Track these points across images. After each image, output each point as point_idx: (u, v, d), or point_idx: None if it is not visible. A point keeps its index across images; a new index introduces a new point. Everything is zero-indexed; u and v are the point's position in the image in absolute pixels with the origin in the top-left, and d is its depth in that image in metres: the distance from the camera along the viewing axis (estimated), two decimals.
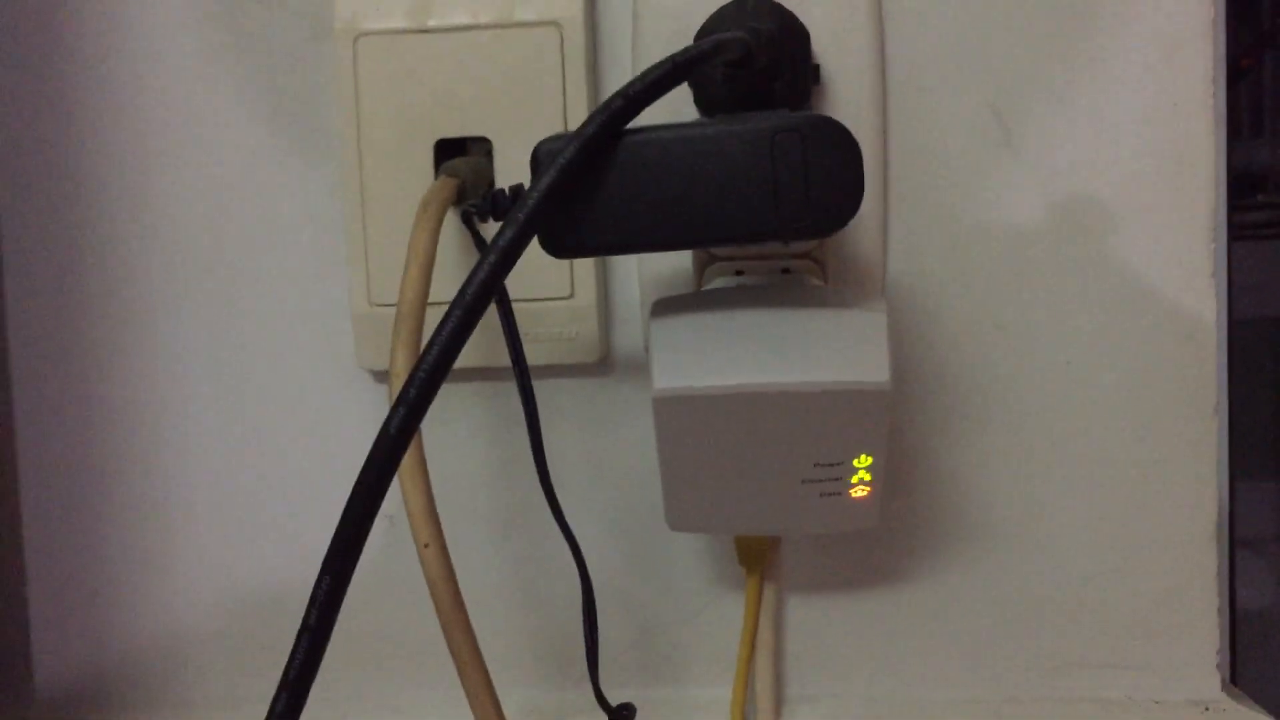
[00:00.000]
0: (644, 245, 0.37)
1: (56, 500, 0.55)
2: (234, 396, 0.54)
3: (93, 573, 0.55)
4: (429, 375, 0.33)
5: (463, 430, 0.53)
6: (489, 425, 0.53)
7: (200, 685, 0.55)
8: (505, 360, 0.47)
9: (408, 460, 0.42)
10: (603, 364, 0.52)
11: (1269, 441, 1.54)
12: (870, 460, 0.41)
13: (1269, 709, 0.49)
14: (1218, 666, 0.50)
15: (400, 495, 0.42)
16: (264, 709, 0.30)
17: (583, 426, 0.52)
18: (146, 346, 0.54)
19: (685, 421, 0.40)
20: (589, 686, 0.48)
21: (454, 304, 0.33)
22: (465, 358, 0.50)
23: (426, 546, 0.41)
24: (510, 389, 0.52)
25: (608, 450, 0.52)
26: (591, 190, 0.36)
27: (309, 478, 0.54)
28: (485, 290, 0.33)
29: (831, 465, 0.41)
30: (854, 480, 0.41)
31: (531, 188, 0.34)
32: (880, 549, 0.51)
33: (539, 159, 0.36)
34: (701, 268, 0.47)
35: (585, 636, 0.46)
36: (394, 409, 0.33)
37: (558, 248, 0.37)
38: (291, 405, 0.54)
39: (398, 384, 0.42)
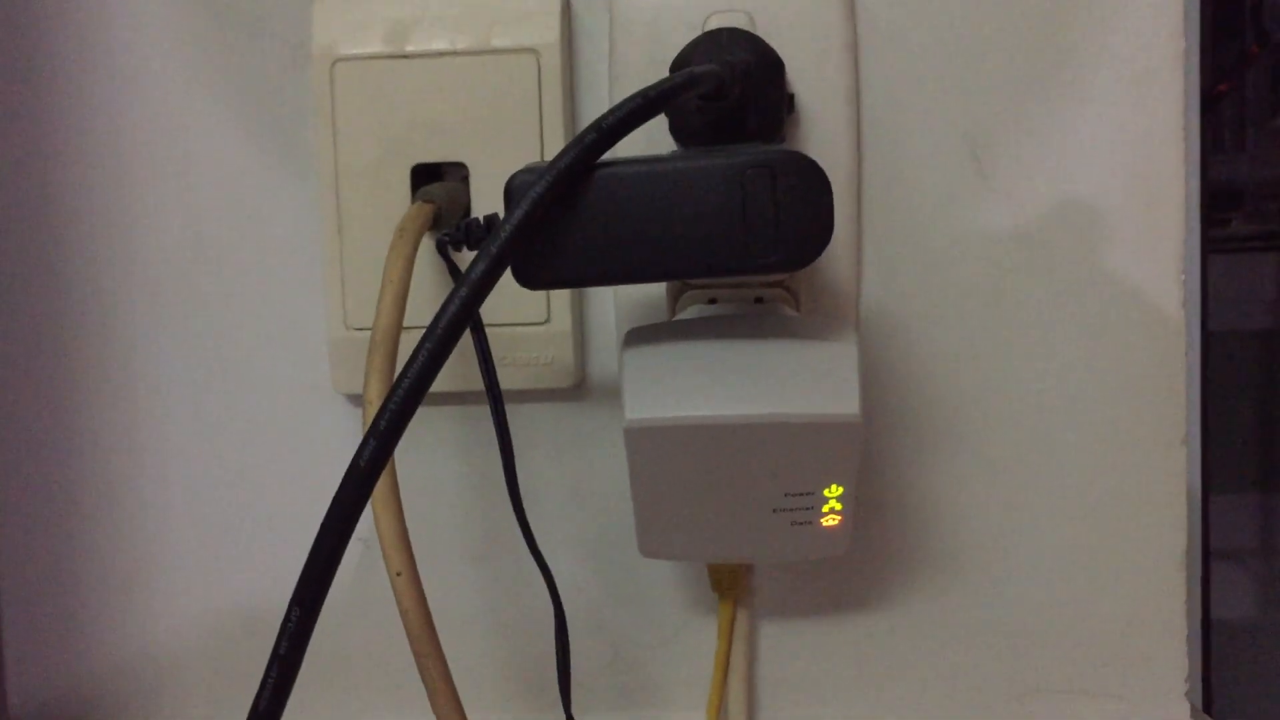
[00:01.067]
0: (616, 278, 0.37)
1: (32, 521, 0.55)
2: (211, 419, 0.54)
3: (68, 594, 0.55)
4: (400, 408, 0.33)
5: (437, 454, 0.53)
6: (463, 450, 0.53)
7: (177, 707, 0.55)
8: (479, 384, 0.47)
9: (380, 488, 0.42)
10: (578, 389, 0.52)
11: (1250, 454, 1.55)
12: (841, 490, 0.41)
13: (1246, 717, 0.50)
14: (1186, 695, 0.51)
15: (373, 522, 0.42)
16: None
17: (557, 452, 0.52)
18: (124, 369, 0.54)
19: (657, 451, 0.40)
20: (561, 711, 0.48)
21: (425, 337, 0.34)
22: (440, 383, 0.50)
23: (399, 575, 0.42)
24: (483, 413, 0.52)
25: (582, 475, 0.52)
26: (564, 223, 0.36)
27: (286, 501, 0.54)
28: (457, 323, 0.34)
29: (802, 495, 0.41)
30: (825, 510, 0.42)
31: (504, 220, 0.34)
32: (852, 575, 0.52)
33: (512, 192, 0.36)
34: (676, 296, 0.47)
35: (557, 662, 0.47)
36: (365, 441, 0.33)
37: (530, 280, 0.37)
38: (269, 428, 0.54)
39: (371, 411, 0.42)
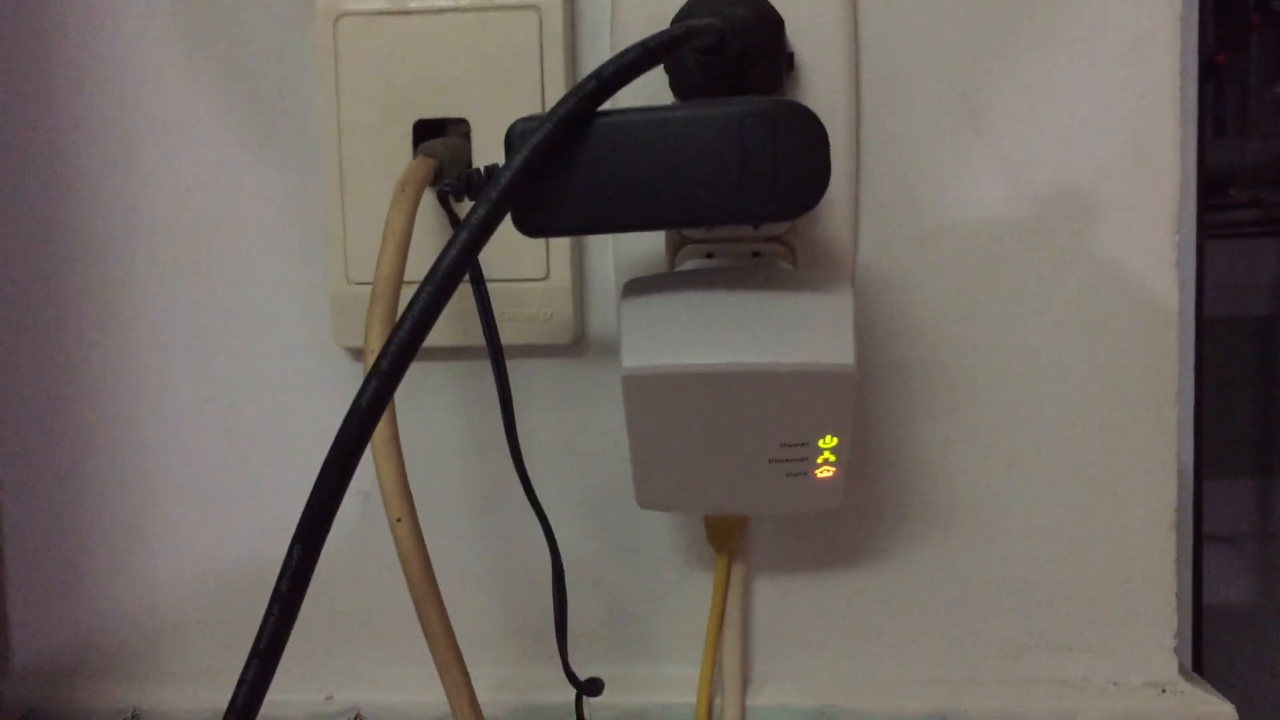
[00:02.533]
0: (614, 226, 0.38)
1: (36, 473, 0.56)
2: (212, 374, 0.54)
3: (71, 547, 0.56)
4: (401, 349, 0.34)
5: (436, 410, 0.53)
6: (463, 404, 0.53)
7: (178, 657, 0.56)
8: (479, 340, 0.48)
9: (381, 435, 0.42)
10: (577, 345, 0.52)
11: (1245, 439, 1.55)
12: (835, 441, 0.41)
13: (1239, 700, 0.50)
14: (1175, 650, 0.51)
15: (374, 471, 0.43)
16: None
17: (556, 407, 0.53)
18: (125, 325, 0.54)
19: (654, 400, 0.40)
20: (559, 662, 0.49)
21: (427, 279, 0.34)
22: (439, 336, 0.51)
23: (399, 521, 0.42)
24: (484, 369, 0.52)
25: (580, 431, 0.53)
26: (564, 171, 0.36)
27: (287, 455, 0.55)
28: (458, 266, 0.34)
29: (797, 445, 0.41)
30: (819, 461, 0.42)
31: (505, 167, 0.35)
32: (847, 531, 0.52)
33: (513, 139, 0.37)
34: (674, 250, 0.47)
35: (555, 612, 0.47)
36: (366, 381, 0.34)
37: (530, 226, 0.37)
38: (270, 383, 0.54)
39: (372, 359, 0.43)
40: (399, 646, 0.54)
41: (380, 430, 0.43)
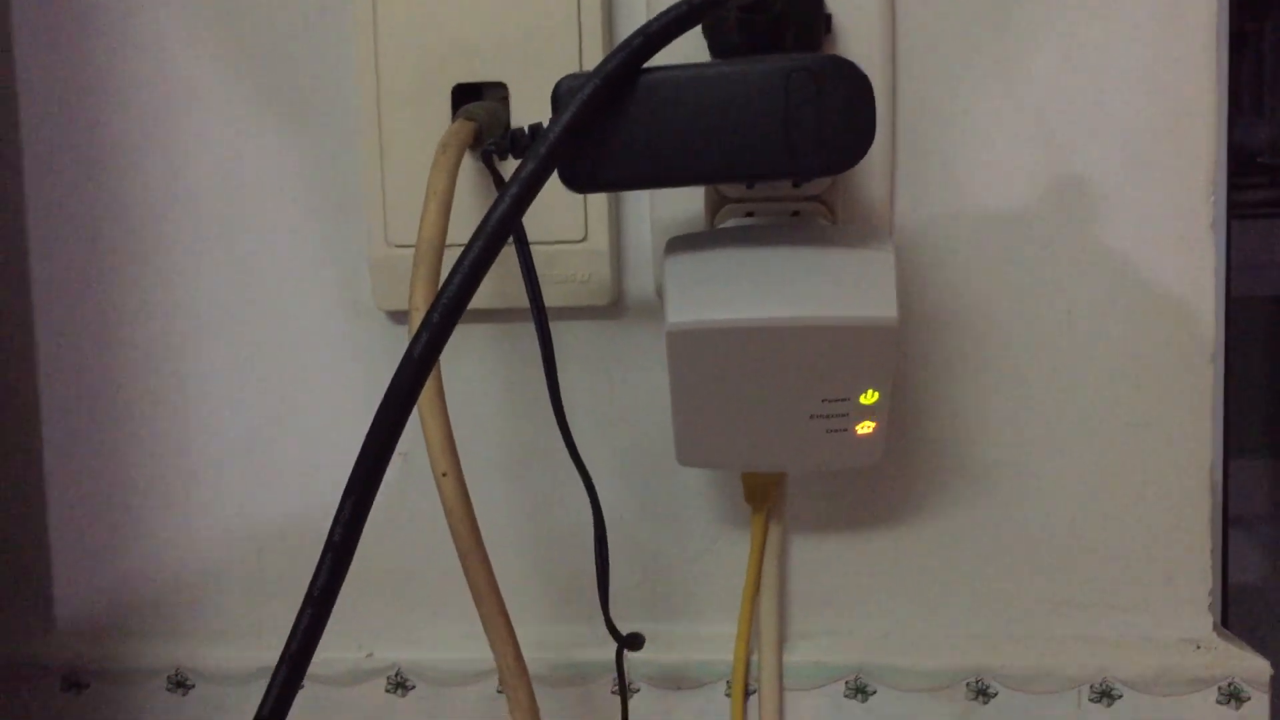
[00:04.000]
0: (660, 180, 0.38)
1: (78, 434, 0.56)
2: (252, 338, 0.55)
3: (112, 507, 0.56)
4: (452, 301, 0.34)
5: (476, 371, 0.54)
6: (502, 367, 0.54)
7: (219, 615, 0.57)
8: (517, 302, 0.48)
9: (427, 391, 0.43)
10: (614, 307, 0.53)
11: (1262, 420, 1.55)
12: (876, 396, 0.42)
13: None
14: (1209, 608, 0.52)
15: (416, 431, 0.43)
16: (281, 639, 0.31)
17: (593, 369, 0.53)
18: (169, 287, 0.55)
19: (697, 355, 0.41)
20: (599, 622, 0.49)
21: (477, 233, 0.35)
22: (479, 299, 0.51)
23: (444, 476, 0.43)
24: (521, 331, 0.53)
25: (617, 392, 0.54)
26: (610, 126, 0.37)
27: (326, 417, 0.55)
28: (509, 219, 0.35)
29: (839, 401, 0.42)
30: (860, 417, 0.43)
31: (553, 122, 0.35)
32: (882, 490, 0.53)
33: (559, 95, 0.37)
34: (713, 211, 0.48)
35: (597, 565, 0.48)
36: (418, 333, 0.34)
37: (577, 182, 0.38)
38: (309, 346, 0.55)
39: (417, 318, 0.43)
40: (438, 604, 0.55)
41: (426, 386, 0.43)
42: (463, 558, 0.43)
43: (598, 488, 0.49)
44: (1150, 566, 0.52)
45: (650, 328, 0.53)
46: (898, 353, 0.41)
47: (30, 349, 0.56)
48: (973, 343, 0.51)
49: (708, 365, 0.41)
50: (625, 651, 0.51)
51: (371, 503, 0.34)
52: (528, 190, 0.35)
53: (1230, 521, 0.51)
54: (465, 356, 0.54)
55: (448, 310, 0.35)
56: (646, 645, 0.52)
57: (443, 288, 0.34)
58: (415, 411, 0.42)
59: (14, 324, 0.56)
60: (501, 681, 0.43)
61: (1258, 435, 1.54)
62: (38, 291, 0.56)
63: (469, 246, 0.34)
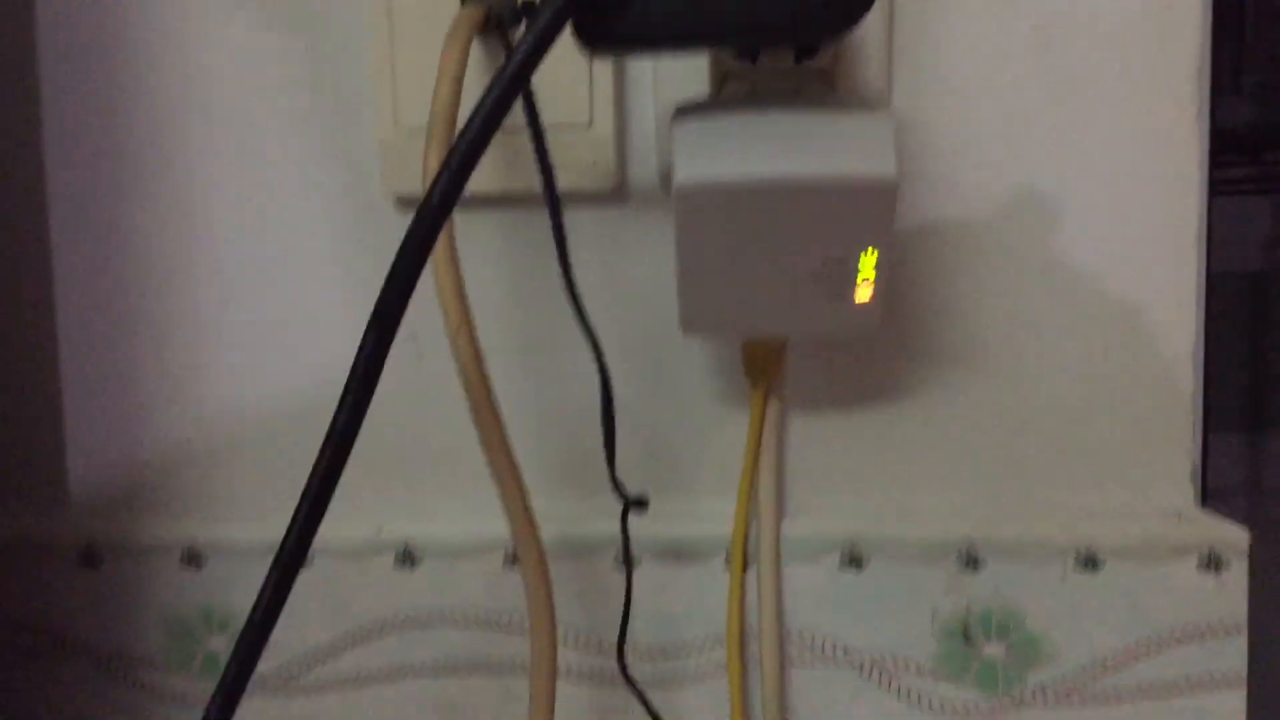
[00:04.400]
0: (669, 41, 0.39)
1: (92, 314, 0.58)
2: (263, 223, 0.56)
3: (127, 385, 0.58)
4: (470, 146, 0.36)
5: (478, 257, 0.55)
6: (507, 254, 0.55)
7: (232, 493, 0.58)
8: (523, 184, 0.49)
9: (440, 250, 0.44)
10: (618, 192, 0.54)
11: (1237, 395, 1.57)
12: (875, 257, 0.43)
13: None
14: (1190, 481, 0.54)
15: (425, 312, 0.44)
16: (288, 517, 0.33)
17: (596, 253, 0.55)
18: (180, 172, 0.56)
19: (704, 214, 0.42)
20: (603, 498, 0.51)
21: (493, 83, 0.36)
22: (483, 181, 0.52)
23: (458, 330, 0.44)
24: (527, 218, 0.54)
25: (620, 277, 0.55)
26: None
27: (335, 303, 0.57)
28: (526, 64, 0.36)
29: (839, 261, 0.43)
30: (859, 280, 0.44)
31: None
32: (878, 370, 0.54)
33: None
34: (717, 89, 0.49)
35: (603, 427, 0.49)
36: (436, 179, 0.36)
37: (591, 38, 0.39)
38: (318, 235, 0.56)
39: (433, 175, 0.44)
40: (448, 480, 0.57)
41: (440, 247, 0.44)
42: (475, 413, 0.45)
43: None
44: (1134, 444, 0.54)
45: (654, 214, 0.54)
46: (895, 212, 0.42)
47: (43, 231, 0.57)
48: (965, 231, 0.53)
49: (714, 224, 0.43)
50: (629, 520, 0.52)
51: (392, 338, 0.35)
52: (543, 39, 0.36)
53: (1207, 496, 0.53)
54: (470, 245, 0.55)
55: (466, 154, 0.36)
56: (648, 520, 0.53)
57: (461, 133, 0.36)
58: (430, 269, 0.44)
59: (28, 206, 0.57)
60: (512, 535, 0.45)
61: (1234, 412, 1.56)
62: (52, 175, 0.57)
63: (485, 94, 0.35)
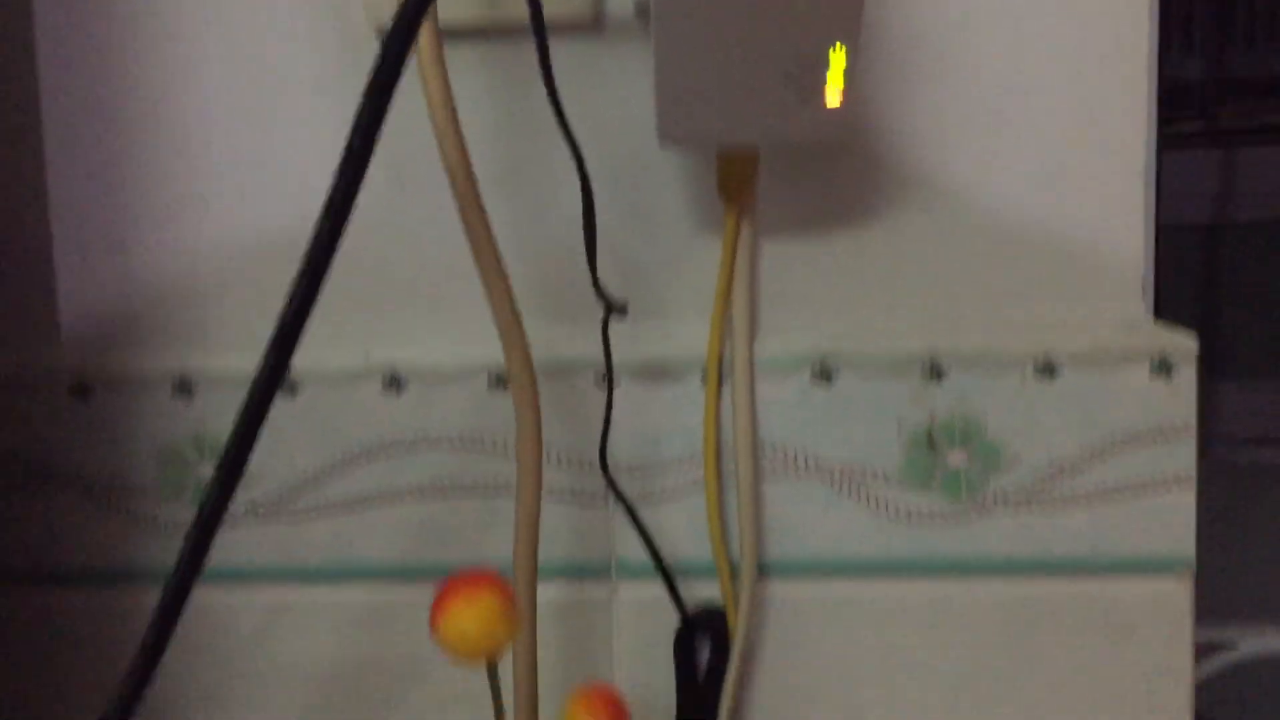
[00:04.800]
0: None
1: (79, 149, 0.59)
2: (247, 53, 0.58)
3: (117, 217, 0.59)
4: None
5: (458, 91, 0.56)
6: (488, 89, 0.57)
7: (221, 323, 0.60)
8: (504, 11, 0.51)
9: (427, 52, 0.46)
10: (595, 24, 0.56)
11: None
12: (844, 53, 0.46)
13: None
14: (1142, 294, 0.56)
15: (407, 137, 0.46)
16: None
17: (572, 84, 0.56)
18: (165, 5, 0.57)
19: (682, 9, 0.44)
20: (583, 322, 0.53)
21: None
22: (461, 7, 0.54)
23: (444, 132, 0.46)
24: (505, 52, 0.56)
25: (596, 108, 0.56)
26: None
27: (320, 135, 0.58)
28: None
29: (811, 57, 0.45)
30: (829, 78, 0.46)
31: None
32: (846, 195, 0.57)
33: None
34: None
35: (585, 234, 0.51)
36: None
37: None
38: (302, 65, 0.57)
39: None
40: (433, 306, 0.58)
41: (428, 45, 0.46)
42: (462, 211, 0.47)
43: (574, 199, 0.52)
44: (1089, 259, 0.56)
45: (631, 45, 0.56)
46: (864, 2, 0.44)
47: (30, 60, 0.58)
48: (926, 54, 0.55)
49: (691, 20, 0.44)
50: (610, 331, 0.54)
51: (378, 132, 0.37)
52: None
53: (1160, 312, 0.55)
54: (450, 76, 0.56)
55: None
56: (626, 341, 0.56)
57: None
58: (410, 117, 0.46)
59: (12, 41, 0.58)
60: (496, 323, 0.47)
61: None
62: (39, 9, 0.58)
63: None
